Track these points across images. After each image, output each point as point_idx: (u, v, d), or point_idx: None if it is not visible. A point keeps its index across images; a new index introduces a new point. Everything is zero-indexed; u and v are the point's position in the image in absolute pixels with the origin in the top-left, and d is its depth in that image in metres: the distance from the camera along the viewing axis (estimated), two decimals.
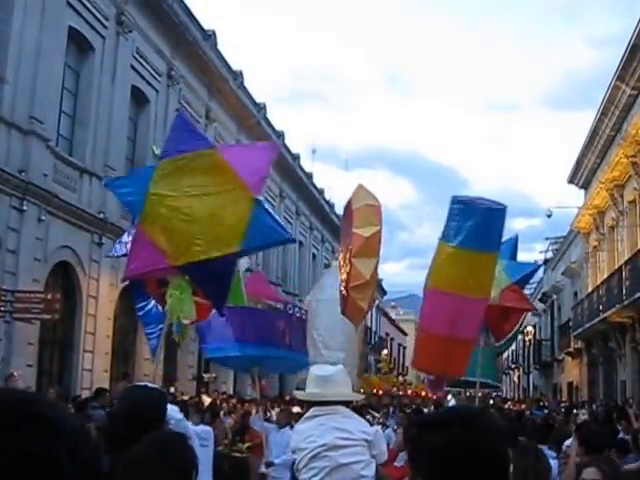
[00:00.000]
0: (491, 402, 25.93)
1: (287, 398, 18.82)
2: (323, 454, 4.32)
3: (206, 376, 21.21)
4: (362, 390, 15.63)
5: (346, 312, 8.18)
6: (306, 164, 36.57)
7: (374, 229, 7.74)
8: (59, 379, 15.28)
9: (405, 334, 63.77)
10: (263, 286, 12.50)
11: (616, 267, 22.89)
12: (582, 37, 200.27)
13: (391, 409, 20.77)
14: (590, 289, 27.36)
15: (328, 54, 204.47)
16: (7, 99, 13.65)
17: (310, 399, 4.69)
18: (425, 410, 13.10)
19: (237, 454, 11.63)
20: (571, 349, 31.90)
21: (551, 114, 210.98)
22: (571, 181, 31.05)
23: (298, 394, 5.54)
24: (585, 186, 30.16)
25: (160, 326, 6.44)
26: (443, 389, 14.95)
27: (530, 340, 41.21)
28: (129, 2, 17.93)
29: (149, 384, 3.82)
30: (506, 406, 23.48)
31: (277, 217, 5.45)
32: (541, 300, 40.90)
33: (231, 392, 22.10)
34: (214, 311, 5.92)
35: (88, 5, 16.19)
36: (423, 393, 32.08)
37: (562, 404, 24.51)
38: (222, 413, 13.48)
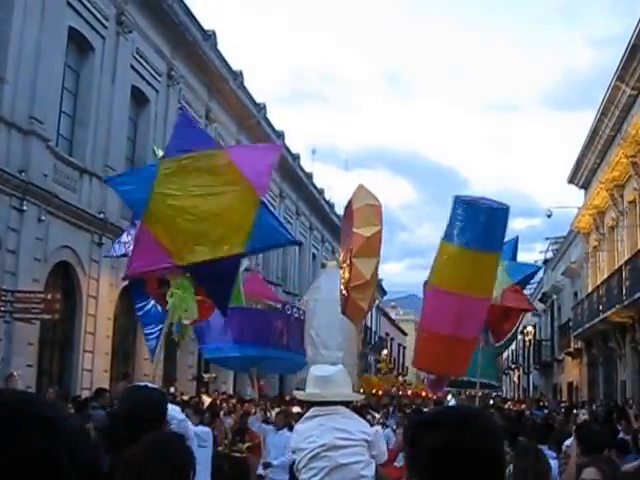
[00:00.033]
0: (491, 402, 25.91)
1: (287, 398, 18.82)
2: (323, 454, 4.32)
3: (206, 376, 21.22)
4: (362, 390, 15.62)
5: (346, 312, 8.17)
6: (306, 164, 36.65)
7: (375, 229, 7.73)
8: (59, 379, 15.27)
9: (405, 334, 63.79)
10: (261, 286, 12.50)
11: (616, 267, 22.89)
12: (582, 37, 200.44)
13: (391, 409, 20.75)
14: (590, 289, 27.36)
15: (328, 54, 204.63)
16: (7, 99, 13.65)
17: (310, 399, 4.69)
18: (425, 410, 13.10)
19: (237, 454, 11.65)
20: (571, 349, 31.90)
21: (551, 114, 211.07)
22: (571, 181, 31.06)
23: (298, 394, 5.54)
24: (585, 186, 30.16)
25: (159, 326, 6.43)
26: (443, 389, 14.96)
27: (530, 340, 41.21)
28: (129, 2, 17.93)
29: (149, 384, 3.82)
30: (506, 406, 23.45)
31: (280, 218, 5.47)
32: (541, 300, 40.90)
33: (231, 392, 22.10)
34: (216, 311, 5.92)
35: (88, 5, 16.20)
36: (423, 393, 32.08)
37: (562, 404, 24.50)
38: (222, 413, 13.50)
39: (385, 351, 47.04)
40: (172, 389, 16.89)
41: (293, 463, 4.61)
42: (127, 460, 2.35)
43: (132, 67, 18.49)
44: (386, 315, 56.96)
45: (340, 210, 35.71)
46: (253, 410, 12.76)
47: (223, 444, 11.76)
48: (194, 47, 21.37)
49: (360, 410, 9.00)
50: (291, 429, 8.59)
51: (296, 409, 12.00)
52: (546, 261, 39.00)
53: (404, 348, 60.95)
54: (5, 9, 13.68)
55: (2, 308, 12.63)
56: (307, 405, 4.95)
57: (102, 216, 16.37)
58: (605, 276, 24.69)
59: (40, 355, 14.52)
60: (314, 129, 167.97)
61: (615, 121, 23.68)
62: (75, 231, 15.68)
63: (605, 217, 27.02)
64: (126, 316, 17.00)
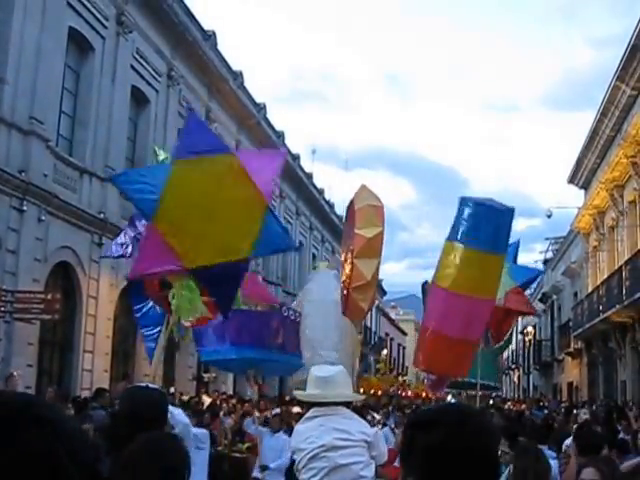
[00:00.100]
0: (491, 402, 25.91)
1: (287, 398, 18.82)
2: (322, 455, 4.33)
3: (206, 376, 21.22)
4: (362, 390, 15.62)
5: (347, 312, 8.16)
6: (306, 164, 36.63)
7: (376, 230, 7.70)
8: (59, 379, 15.27)
9: (405, 334, 63.84)
10: (259, 287, 12.49)
11: (616, 267, 22.89)
12: (582, 37, 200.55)
13: (390, 409, 20.74)
14: (590, 289, 27.36)
15: (328, 54, 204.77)
16: (7, 99, 13.65)
17: (310, 400, 4.69)
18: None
19: (237, 454, 11.66)
20: (571, 349, 31.89)
21: (551, 114, 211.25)
22: (571, 181, 31.06)
23: (298, 394, 5.54)
24: (585, 186, 30.16)
25: (158, 328, 6.41)
26: (444, 389, 14.95)
27: (530, 340, 41.23)
28: (129, 2, 17.93)
29: (149, 384, 3.83)
30: (506, 406, 23.45)
31: (280, 219, 5.49)
32: (541, 300, 40.87)
33: (231, 392, 22.10)
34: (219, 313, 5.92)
35: (88, 5, 16.19)
36: (424, 394, 32.10)
37: (562, 404, 24.49)
38: (222, 413, 13.50)
39: (385, 351, 47.08)
40: (172, 389, 16.89)
41: (292, 464, 4.61)
42: (122, 460, 2.36)
43: (132, 67, 18.49)
44: (386, 315, 56.97)
45: (340, 210, 35.72)
46: (254, 411, 12.76)
47: (223, 444, 11.77)
48: (194, 47, 21.37)
49: (360, 410, 9.01)
50: (287, 432, 8.60)
51: (296, 409, 12.00)
52: (546, 261, 39.02)
53: (404, 348, 61.00)
54: (5, 9, 13.68)
55: (2, 308, 12.63)
56: (307, 405, 4.95)
57: (102, 216, 16.37)
58: (605, 276, 24.69)
59: (40, 355, 14.51)
60: (314, 129, 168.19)
61: (615, 121, 23.68)
62: (75, 231, 15.68)
63: (605, 217, 27.02)
64: (126, 316, 16.98)
